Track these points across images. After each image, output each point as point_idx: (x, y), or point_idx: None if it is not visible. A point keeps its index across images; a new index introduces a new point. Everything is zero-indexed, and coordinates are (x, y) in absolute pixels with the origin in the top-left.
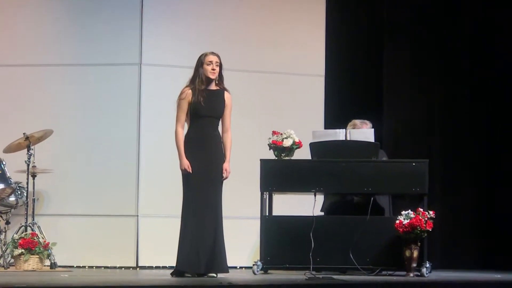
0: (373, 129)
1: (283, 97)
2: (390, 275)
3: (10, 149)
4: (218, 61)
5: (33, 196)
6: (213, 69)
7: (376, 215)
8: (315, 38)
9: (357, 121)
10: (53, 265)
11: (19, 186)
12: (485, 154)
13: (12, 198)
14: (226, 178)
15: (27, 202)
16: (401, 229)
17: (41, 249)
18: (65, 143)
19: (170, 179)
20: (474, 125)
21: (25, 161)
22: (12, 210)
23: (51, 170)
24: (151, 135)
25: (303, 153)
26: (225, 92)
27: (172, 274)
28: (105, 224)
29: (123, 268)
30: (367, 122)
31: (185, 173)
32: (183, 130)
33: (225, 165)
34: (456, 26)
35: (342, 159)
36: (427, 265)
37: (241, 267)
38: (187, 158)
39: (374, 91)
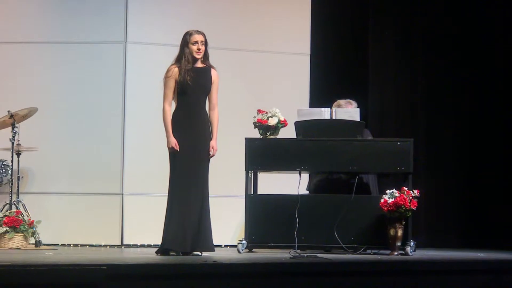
0: (358, 109)
1: (269, 75)
2: (374, 253)
3: None
4: (204, 39)
5: (18, 174)
6: (199, 49)
7: (362, 193)
8: (300, 17)
9: (342, 101)
10: (37, 243)
11: (3, 164)
12: (469, 133)
13: None
14: (213, 155)
15: (12, 180)
16: (385, 208)
17: (26, 227)
18: (50, 121)
19: (155, 157)
20: (458, 105)
21: (10, 139)
22: None
23: (36, 148)
24: (136, 113)
25: (288, 132)
26: (212, 69)
27: (157, 252)
28: (90, 202)
29: (108, 247)
30: (352, 102)
31: (172, 151)
32: (171, 108)
33: (212, 143)
34: (441, 4)
35: (327, 137)
36: (412, 243)
37: (226, 246)
38: (174, 136)
39: (360, 70)
